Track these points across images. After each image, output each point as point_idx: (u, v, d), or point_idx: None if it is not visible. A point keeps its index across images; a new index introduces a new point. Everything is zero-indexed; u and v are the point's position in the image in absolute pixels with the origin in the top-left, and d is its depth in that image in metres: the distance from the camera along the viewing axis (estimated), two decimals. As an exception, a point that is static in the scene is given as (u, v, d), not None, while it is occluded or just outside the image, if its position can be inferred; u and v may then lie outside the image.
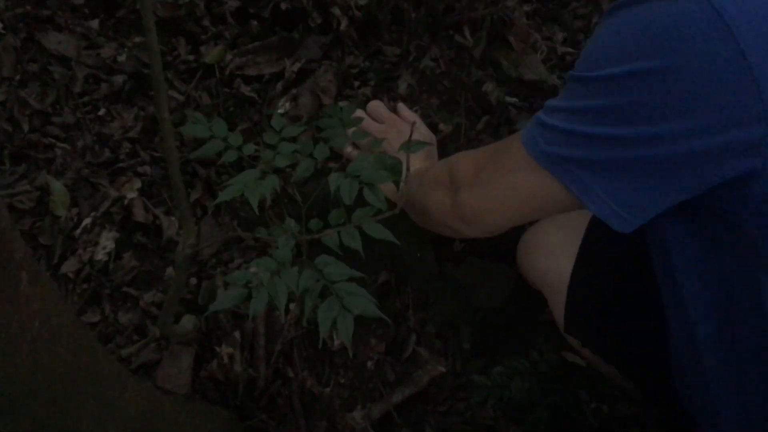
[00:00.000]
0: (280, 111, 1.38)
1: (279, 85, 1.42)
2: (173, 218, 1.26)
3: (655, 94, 0.64)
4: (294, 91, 1.42)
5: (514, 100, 1.48)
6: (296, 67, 1.43)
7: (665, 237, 0.78)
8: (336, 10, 1.49)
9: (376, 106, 1.26)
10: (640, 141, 0.67)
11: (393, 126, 1.22)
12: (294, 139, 0.99)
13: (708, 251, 0.75)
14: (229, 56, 1.44)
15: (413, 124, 1.12)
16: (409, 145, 1.01)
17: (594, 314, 1.05)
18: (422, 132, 1.23)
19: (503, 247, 1.24)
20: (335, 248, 0.90)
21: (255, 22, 1.48)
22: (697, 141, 0.64)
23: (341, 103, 1.35)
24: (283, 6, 1.49)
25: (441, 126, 1.36)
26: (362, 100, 1.46)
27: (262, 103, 1.41)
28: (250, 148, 0.97)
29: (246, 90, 1.41)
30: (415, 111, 1.48)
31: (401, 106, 1.30)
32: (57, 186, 1.24)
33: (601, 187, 0.72)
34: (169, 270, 1.22)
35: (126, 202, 1.23)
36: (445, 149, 1.31)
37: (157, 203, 1.28)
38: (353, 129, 1.06)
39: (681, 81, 0.62)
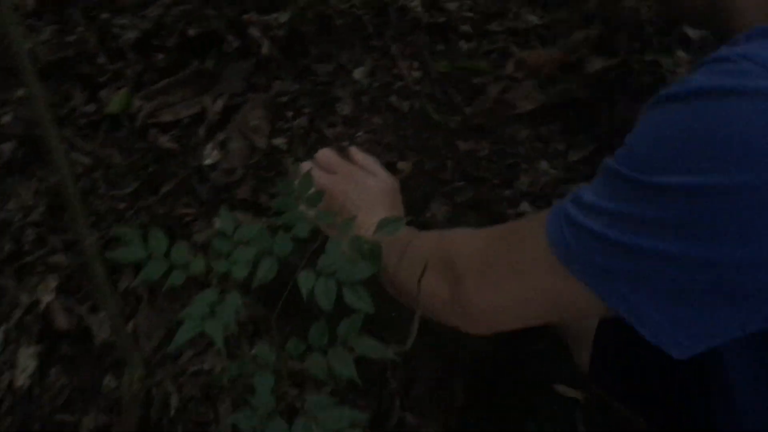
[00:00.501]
0: (207, 162, 1.19)
1: (201, 130, 1.22)
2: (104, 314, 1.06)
3: (737, 213, 0.51)
4: (221, 135, 1.22)
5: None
6: (219, 105, 1.24)
7: (727, 364, 0.67)
8: (254, 31, 1.28)
9: (326, 155, 1.09)
10: (712, 263, 0.54)
11: (349, 178, 1.05)
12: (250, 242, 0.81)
13: None
14: (137, 101, 1.23)
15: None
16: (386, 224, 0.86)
17: (621, 363, 0.95)
18: (382, 179, 1.07)
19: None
20: (324, 378, 0.75)
21: (160, 55, 1.27)
22: None
23: (292, 164, 1.16)
24: (192, 32, 1.27)
25: (399, 164, 1.20)
26: (299, 133, 1.28)
27: (186, 153, 1.21)
28: (199, 264, 0.78)
29: (164, 141, 1.21)
30: (359, 137, 1.32)
31: (353, 151, 1.13)
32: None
33: (654, 308, 0.59)
34: (108, 379, 1.04)
35: (42, 307, 1.03)
36: (409, 191, 1.15)
37: (82, 298, 1.08)
38: (311, 203, 0.89)
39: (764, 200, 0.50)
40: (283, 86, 1.31)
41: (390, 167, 1.18)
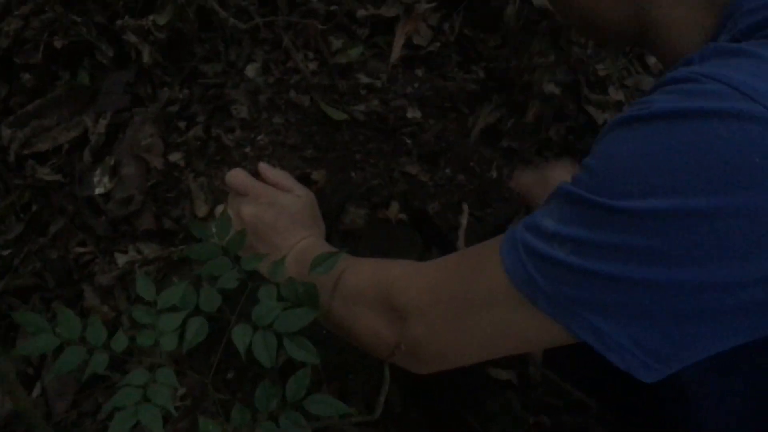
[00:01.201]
0: (99, 191, 1.08)
1: (86, 155, 1.10)
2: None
3: (716, 235, 0.50)
4: (109, 159, 1.10)
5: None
6: (102, 124, 1.11)
7: (691, 382, 0.66)
8: (131, 37, 1.16)
9: (236, 176, 1.00)
10: (690, 287, 0.53)
11: (262, 200, 0.97)
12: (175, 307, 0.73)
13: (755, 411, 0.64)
14: (5, 130, 1.08)
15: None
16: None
17: (574, 349, 0.95)
18: (297, 194, 1.00)
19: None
20: (280, 447, 0.70)
21: (26, 74, 1.12)
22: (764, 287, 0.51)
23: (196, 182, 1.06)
24: (58, 43, 1.13)
25: (314, 175, 1.13)
26: (196, 145, 1.18)
27: (72, 184, 1.09)
28: (121, 341, 0.70)
29: (45, 172, 1.08)
30: (260, 140, 1.23)
31: (263, 167, 1.05)
32: None
33: (625, 336, 0.57)
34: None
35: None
36: (324, 198, 1.09)
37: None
38: (244, 254, 0.81)
39: (752, 221, 0.48)
40: (171, 94, 1.20)
41: (304, 179, 1.11)
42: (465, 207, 1.25)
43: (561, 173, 1.07)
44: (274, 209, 0.96)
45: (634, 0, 0.65)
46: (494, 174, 1.32)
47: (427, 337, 0.71)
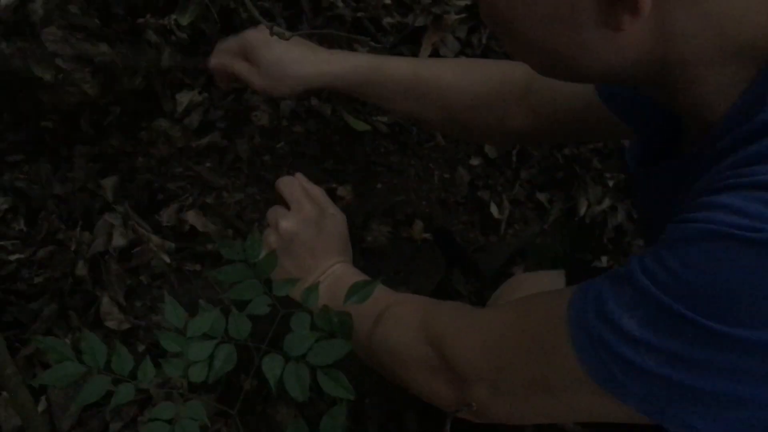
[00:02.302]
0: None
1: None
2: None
3: None
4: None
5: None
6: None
7: None
8: (151, 36, 1.11)
9: (288, 183, 0.94)
10: None
11: (305, 215, 0.91)
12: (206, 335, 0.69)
13: None
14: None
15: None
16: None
17: None
18: (333, 216, 0.94)
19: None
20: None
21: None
22: None
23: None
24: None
25: (340, 191, 1.09)
26: (216, 149, 1.14)
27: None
28: (148, 370, 0.66)
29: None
30: (280, 149, 1.19)
31: (300, 179, 0.97)
32: None
33: (709, 426, 0.53)
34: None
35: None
36: (351, 218, 1.04)
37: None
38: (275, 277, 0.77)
39: None
40: (191, 98, 1.15)
41: (329, 194, 1.06)
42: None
43: (259, 36, 0.96)
44: (313, 228, 0.90)
45: (660, 59, 0.55)
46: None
47: (493, 406, 0.67)
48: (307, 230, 0.90)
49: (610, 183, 1.37)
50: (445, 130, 1.21)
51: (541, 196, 1.34)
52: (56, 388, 0.96)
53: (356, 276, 0.85)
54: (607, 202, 1.35)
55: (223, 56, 0.99)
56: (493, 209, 1.28)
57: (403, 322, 0.76)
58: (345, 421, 0.69)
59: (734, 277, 0.47)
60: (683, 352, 0.50)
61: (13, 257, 0.97)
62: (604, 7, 0.50)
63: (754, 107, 0.52)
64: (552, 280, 1.06)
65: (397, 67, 0.96)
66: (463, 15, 1.34)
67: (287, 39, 0.85)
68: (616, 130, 0.83)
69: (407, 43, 1.34)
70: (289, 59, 0.94)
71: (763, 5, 0.50)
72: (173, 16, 1.13)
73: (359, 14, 1.30)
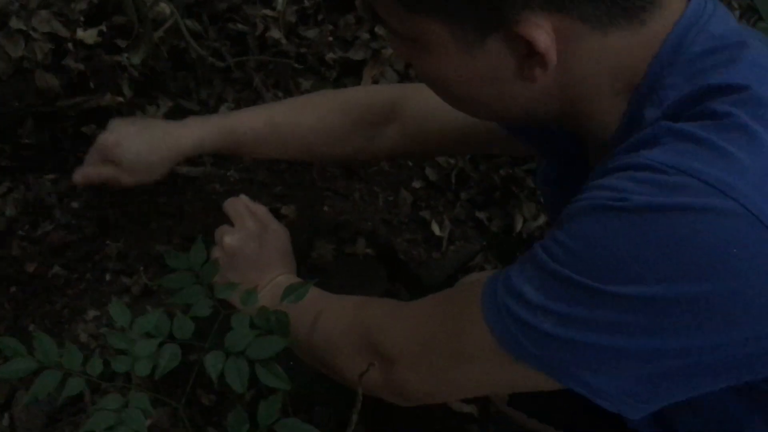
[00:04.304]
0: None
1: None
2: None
3: (698, 315, 0.54)
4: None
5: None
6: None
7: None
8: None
9: (233, 204, 1.02)
10: (674, 352, 0.57)
11: (246, 231, 0.98)
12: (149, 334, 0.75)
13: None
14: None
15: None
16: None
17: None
18: (275, 231, 1.02)
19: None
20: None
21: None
22: (754, 344, 0.55)
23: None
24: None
25: (283, 210, 1.16)
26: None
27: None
28: (96, 365, 0.72)
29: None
30: (231, 176, 1.26)
31: (243, 199, 1.05)
32: None
33: (615, 388, 0.60)
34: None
35: None
36: (292, 234, 1.11)
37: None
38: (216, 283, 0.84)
39: (737, 299, 0.53)
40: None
41: (273, 213, 1.13)
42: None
43: (110, 137, 1.00)
44: (255, 243, 0.98)
45: (566, 99, 0.65)
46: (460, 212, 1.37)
47: (416, 383, 0.74)
48: (250, 245, 0.97)
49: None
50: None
51: (481, 215, 1.42)
52: (18, 405, 1.00)
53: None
54: (542, 218, 1.44)
55: (86, 169, 1.02)
56: (435, 227, 1.36)
57: (339, 314, 0.83)
58: (279, 408, 0.75)
59: (607, 241, 0.56)
60: (571, 312, 0.57)
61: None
62: (521, 64, 0.60)
63: (631, 127, 0.62)
64: None
65: (252, 122, 1.03)
66: (401, 49, 1.44)
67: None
68: (513, 146, 0.92)
69: (349, 75, 1.43)
70: (147, 149, 1.00)
71: (635, 49, 0.60)
72: (125, 55, 1.21)
73: (302, 50, 1.39)
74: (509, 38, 0.58)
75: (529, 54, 0.59)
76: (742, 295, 0.53)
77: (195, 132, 1.02)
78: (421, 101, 0.90)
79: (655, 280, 0.53)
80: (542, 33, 0.57)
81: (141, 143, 1.00)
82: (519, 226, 1.43)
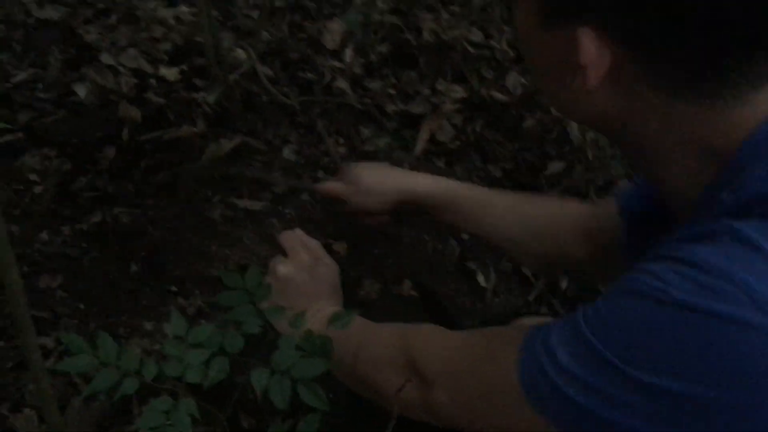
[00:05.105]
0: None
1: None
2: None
3: (716, 416, 0.56)
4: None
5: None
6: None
7: None
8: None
9: (287, 236, 1.10)
10: None
11: (299, 262, 1.05)
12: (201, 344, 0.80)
13: None
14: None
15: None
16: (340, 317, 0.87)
17: None
18: (327, 265, 1.08)
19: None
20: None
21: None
22: None
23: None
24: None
25: (335, 246, 1.22)
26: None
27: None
28: (151, 369, 0.77)
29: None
30: (287, 214, 1.33)
31: (299, 233, 1.13)
32: None
33: None
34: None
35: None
36: (342, 270, 1.17)
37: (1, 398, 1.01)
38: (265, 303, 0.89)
39: (753, 412, 0.55)
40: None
41: (326, 248, 1.19)
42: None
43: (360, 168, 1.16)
44: (306, 274, 1.04)
45: (622, 118, 0.67)
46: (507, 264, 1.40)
47: (448, 406, 0.77)
48: (301, 275, 1.03)
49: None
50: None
51: (527, 270, 1.45)
52: (85, 393, 1.05)
53: None
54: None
55: (330, 183, 1.18)
56: (480, 278, 1.39)
57: (383, 336, 0.88)
58: (318, 427, 0.79)
59: (641, 328, 0.58)
60: (595, 383, 0.60)
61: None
62: (566, 66, 0.63)
63: (708, 205, 0.63)
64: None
65: (474, 195, 1.11)
66: (459, 106, 1.51)
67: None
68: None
69: (408, 127, 1.50)
70: (386, 180, 1.14)
71: (728, 126, 0.62)
72: (202, 93, 1.31)
73: (366, 101, 1.46)
74: (570, 36, 0.61)
75: (575, 61, 0.61)
76: (760, 408, 0.54)
77: (430, 184, 1.12)
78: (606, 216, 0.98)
79: (678, 377, 0.56)
80: (593, 49, 0.60)
81: (383, 174, 1.14)
82: (564, 284, 1.45)
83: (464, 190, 1.11)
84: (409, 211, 1.17)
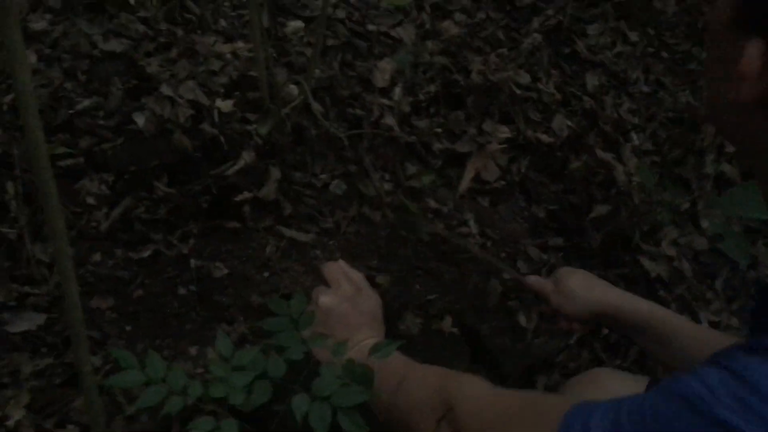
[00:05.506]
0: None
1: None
2: None
3: None
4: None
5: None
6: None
7: None
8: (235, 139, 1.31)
9: (330, 267, 1.13)
10: None
11: (342, 293, 1.07)
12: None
13: None
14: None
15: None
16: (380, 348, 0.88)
17: None
18: (369, 297, 1.10)
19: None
20: None
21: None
22: None
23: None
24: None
25: (378, 278, 1.23)
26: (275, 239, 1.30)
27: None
28: (196, 389, 0.78)
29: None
30: (331, 245, 1.35)
31: (342, 264, 1.16)
32: None
33: None
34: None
35: (12, 423, 0.99)
36: (385, 305, 1.18)
37: (48, 414, 1.04)
38: (308, 331, 0.90)
39: None
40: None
41: (369, 281, 1.20)
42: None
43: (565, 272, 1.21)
44: (348, 304, 1.05)
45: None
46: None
47: None
48: (343, 306, 1.04)
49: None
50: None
51: (568, 313, 1.44)
52: (134, 407, 1.07)
53: None
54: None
55: (538, 280, 1.26)
56: (522, 318, 1.39)
57: (424, 378, 0.88)
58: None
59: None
60: None
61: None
62: (731, 82, 0.63)
63: None
64: (632, 381, 1.14)
65: (661, 316, 1.14)
66: (505, 146, 1.52)
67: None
68: None
69: (453, 166, 1.51)
70: (589, 288, 1.18)
71: None
72: (254, 125, 1.34)
73: (412, 138, 1.49)
74: (743, 43, 0.60)
75: (737, 70, 0.61)
76: None
77: (625, 300, 1.16)
78: None
79: None
80: (756, 62, 0.59)
81: (590, 283, 1.19)
82: (606, 329, 1.44)
83: (658, 312, 1.14)
84: (604, 324, 1.23)
